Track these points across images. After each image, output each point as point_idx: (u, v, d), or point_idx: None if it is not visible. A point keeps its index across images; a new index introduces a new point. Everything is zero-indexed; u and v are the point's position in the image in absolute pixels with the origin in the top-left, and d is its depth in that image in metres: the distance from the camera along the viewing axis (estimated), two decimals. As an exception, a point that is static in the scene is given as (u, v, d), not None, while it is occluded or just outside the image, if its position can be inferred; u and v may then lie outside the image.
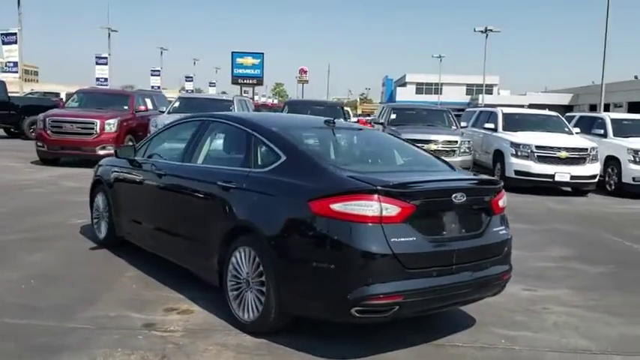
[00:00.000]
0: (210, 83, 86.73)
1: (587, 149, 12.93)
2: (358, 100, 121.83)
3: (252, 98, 39.47)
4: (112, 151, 13.58)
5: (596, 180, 12.98)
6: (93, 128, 13.63)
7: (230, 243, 4.23)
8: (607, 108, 55.64)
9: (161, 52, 66.19)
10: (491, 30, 54.67)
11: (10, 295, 4.67)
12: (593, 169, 12.86)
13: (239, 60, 46.81)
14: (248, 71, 46.47)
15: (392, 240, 3.52)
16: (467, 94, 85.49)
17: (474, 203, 3.93)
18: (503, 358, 3.92)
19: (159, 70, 59.83)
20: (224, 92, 38.22)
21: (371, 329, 4.15)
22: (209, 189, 4.52)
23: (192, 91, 70.06)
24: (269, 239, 3.83)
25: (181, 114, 14.65)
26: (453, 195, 3.80)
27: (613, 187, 13.41)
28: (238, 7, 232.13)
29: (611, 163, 13.55)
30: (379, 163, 4.66)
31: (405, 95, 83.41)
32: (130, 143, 14.32)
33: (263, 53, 47.34)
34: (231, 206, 4.23)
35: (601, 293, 5.51)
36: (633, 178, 12.90)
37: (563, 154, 12.74)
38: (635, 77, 61.00)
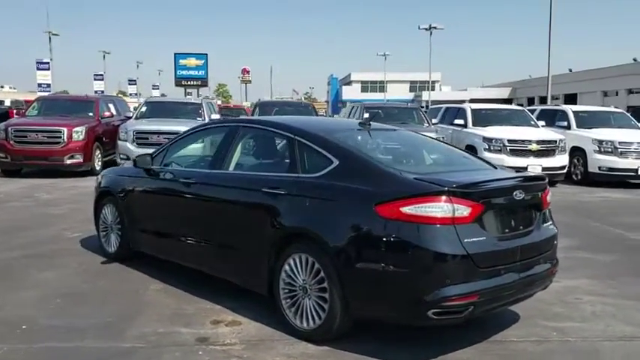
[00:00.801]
0: (154, 86, 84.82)
1: (555, 141, 13.40)
2: (303, 99, 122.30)
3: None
4: (80, 160, 13.38)
5: (565, 171, 13.47)
6: (60, 137, 13.10)
7: (282, 250, 4.15)
8: (545, 100, 58.15)
9: (104, 56, 64.33)
10: (435, 27, 55.85)
11: (43, 317, 4.43)
12: (562, 160, 13.34)
13: (182, 61, 45.98)
14: (192, 72, 45.74)
15: (465, 240, 3.55)
16: (410, 90, 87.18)
17: (530, 200, 4.00)
18: (561, 351, 4.00)
19: (102, 75, 58.04)
20: (207, 97, 37.28)
21: (429, 331, 4.17)
22: (252, 196, 4.43)
23: (137, 94, 68.36)
24: (331, 245, 3.78)
25: (150, 119, 14.41)
26: (514, 192, 3.86)
27: (579, 177, 13.95)
28: (180, 9, 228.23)
29: (577, 153, 14.09)
30: (431, 164, 4.68)
31: (351, 94, 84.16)
32: (97, 152, 13.88)
33: (207, 54, 46.69)
34: (281, 213, 4.15)
35: (619, 281, 5.71)
36: (599, 167, 13.46)
37: (535, 146, 13.15)
38: (570, 70, 63.65)
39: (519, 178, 4.09)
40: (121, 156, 13.24)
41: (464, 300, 3.53)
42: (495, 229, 3.77)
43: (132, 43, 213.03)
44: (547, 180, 4.31)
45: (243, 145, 4.92)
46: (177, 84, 46.11)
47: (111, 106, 15.91)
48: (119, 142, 13.45)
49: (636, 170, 13.29)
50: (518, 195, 3.88)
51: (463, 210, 3.57)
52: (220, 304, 4.75)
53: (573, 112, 15.17)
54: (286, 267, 4.13)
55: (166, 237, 5.35)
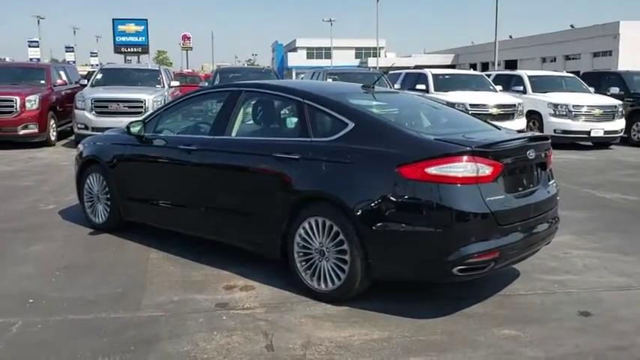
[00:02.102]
0: (92, 53, 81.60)
1: (514, 105, 13.79)
2: (245, 65, 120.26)
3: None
4: (35, 131, 12.81)
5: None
6: (12, 106, 12.47)
7: (296, 215, 4.16)
8: (486, 66, 59.28)
9: (38, 21, 61.07)
10: (381, -7, 55.87)
11: (48, 290, 4.30)
12: (520, 123, 13.74)
13: (121, 27, 44.41)
14: (132, 39, 44.31)
15: (487, 199, 3.66)
16: (356, 57, 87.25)
17: (538, 159, 4.15)
18: (568, 301, 4.22)
19: (37, 41, 55.25)
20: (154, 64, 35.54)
21: (443, 288, 4.30)
22: (262, 161, 4.39)
23: (74, 62, 65.54)
24: (352, 207, 3.82)
25: (107, 87, 13.91)
26: (527, 152, 3.99)
27: (535, 140, 14.43)
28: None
29: (533, 117, 14.56)
30: (443, 125, 4.74)
31: (296, 60, 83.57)
32: (52, 122, 13.31)
33: (146, 19, 45.24)
34: (294, 177, 4.15)
35: (598, 236, 6.02)
36: (554, 130, 13.95)
37: (494, 110, 13.49)
38: (510, 37, 65.12)
39: (528, 138, 4.22)
40: (79, 125, 12.77)
41: (486, 257, 3.66)
42: (512, 187, 3.90)
43: (67, 8, 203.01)
44: (550, 141, 4.48)
45: (246, 111, 4.85)
46: (117, 51, 44.44)
47: (62, 73, 15.24)
48: (76, 111, 12.93)
49: (588, 132, 13.89)
50: (531, 154, 4.01)
51: (485, 169, 3.66)
52: (226, 270, 4.74)
53: (528, 76, 15.62)
54: (301, 231, 4.14)
55: (166, 205, 5.25)
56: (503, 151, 3.84)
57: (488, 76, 16.86)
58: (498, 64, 56.66)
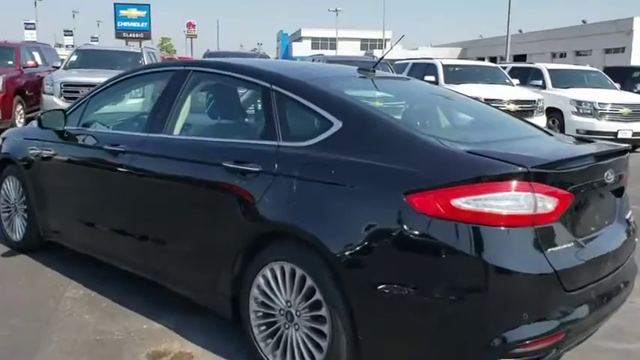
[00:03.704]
0: (92, 38, 79.83)
1: (534, 101, 12.37)
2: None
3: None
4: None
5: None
6: (-28, 88, 11.11)
7: (254, 256, 2.80)
8: (494, 61, 57.88)
9: (35, 3, 59.50)
10: (388, -17, 54.26)
11: None
12: (540, 121, 12.32)
13: (123, 12, 42.96)
14: (133, 24, 42.88)
15: (549, 251, 2.28)
16: (361, 48, 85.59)
17: (616, 182, 2.76)
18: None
19: (34, 24, 53.56)
20: (149, 47, 33.60)
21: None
22: (207, 172, 3.02)
23: (73, 46, 64.08)
24: (334, 253, 2.45)
25: (80, 69, 12.50)
26: (605, 173, 2.60)
27: (555, 140, 13.03)
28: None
29: (553, 115, 13.13)
30: (473, 128, 3.35)
31: (301, 50, 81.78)
32: (19, 107, 11.93)
33: (149, 5, 43.78)
34: (252, 200, 2.77)
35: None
36: (577, 130, 12.52)
37: (511, 106, 12.04)
38: (520, 31, 63.50)
39: (605, 152, 2.79)
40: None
41: (546, 342, 2.28)
42: (582, 228, 2.52)
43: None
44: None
45: (194, 99, 3.46)
46: (118, 36, 43.10)
47: (36, 54, 13.83)
48: (44, 96, 11.54)
49: (615, 133, 12.44)
50: (609, 176, 2.62)
51: (547, 202, 2.28)
52: (160, 321, 3.39)
53: (548, 70, 14.15)
54: (260, 280, 2.78)
55: (86, 226, 3.89)
56: (573, 173, 2.45)
57: (504, 68, 15.41)
58: (503, 59, 55.20)
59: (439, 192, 2.27)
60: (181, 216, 3.19)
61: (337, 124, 2.68)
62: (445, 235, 2.25)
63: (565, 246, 2.35)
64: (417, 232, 2.30)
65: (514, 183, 2.23)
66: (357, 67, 3.41)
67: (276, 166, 2.73)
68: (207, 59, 3.94)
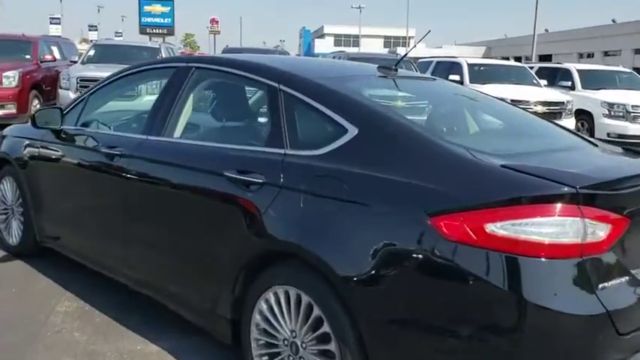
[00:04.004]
0: (117, 33, 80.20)
1: (563, 103, 11.89)
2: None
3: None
4: (13, 111, 11.33)
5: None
6: (-13, 82, 10.98)
7: (256, 278, 2.49)
8: (519, 61, 56.87)
9: (60, -2, 59.93)
10: (413, -20, 53.58)
11: None
12: (569, 124, 11.83)
13: (147, 8, 43.04)
14: (157, 20, 42.95)
15: (600, 287, 1.92)
16: (385, 46, 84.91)
17: None
18: None
19: (59, 18, 53.99)
20: (168, 42, 32.93)
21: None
22: (208, 182, 2.72)
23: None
24: (345, 282, 2.12)
25: (98, 64, 12.32)
26: None
27: (584, 144, 12.51)
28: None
29: (582, 117, 12.63)
30: (504, 134, 2.97)
31: (323, 47, 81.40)
32: (36, 102, 11.79)
33: (173, 1, 43.86)
34: (254, 215, 2.46)
35: None
36: (608, 134, 12.03)
37: (539, 108, 11.58)
38: (546, 30, 62.41)
39: None
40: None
41: (596, 398, 1.93)
42: (632, 259, 2.15)
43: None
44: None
45: (196, 98, 3.14)
46: (142, 32, 43.20)
47: (54, 48, 13.71)
48: (60, 91, 11.41)
49: (650, 138, 11.93)
50: None
51: (598, 229, 1.92)
52: (157, 342, 3.10)
53: (578, 70, 13.64)
54: (262, 305, 2.47)
55: (79, 233, 3.63)
56: (629, 194, 2.08)
57: (530, 68, 14.90)
58: (528, 59, 54.23)
59: (470, 214, 1.92)
60: (178, 228, 2.88)
61: (352, 131, 2.34)
62: (475, 266, 1.91)
63: (618, 281, 1.99)
64: (442, 261, 1.96)
65: (559, 206, 1.88)
66: (377, 66, 3.06)
67: (282, 177, 2.41)
68: (211, 56, 3.58)
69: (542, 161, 2.17)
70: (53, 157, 3.78)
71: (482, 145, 2.35)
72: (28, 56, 12.38)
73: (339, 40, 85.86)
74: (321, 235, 2.24)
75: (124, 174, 3.11)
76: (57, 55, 13.53)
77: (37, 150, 3.91)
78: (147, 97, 3.76)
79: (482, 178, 2.00)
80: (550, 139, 2.76)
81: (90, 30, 70.04)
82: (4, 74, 11.08)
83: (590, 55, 54.37)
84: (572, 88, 13.18)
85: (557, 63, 15.37)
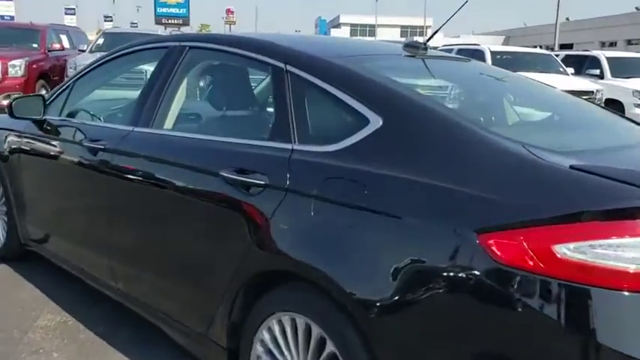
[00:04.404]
0: (132, 24, 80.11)
1: (592, 92, 11.28)
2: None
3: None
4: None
5: None
6: (-7, 71, 10.64)
7: (256, 302, 2.04)
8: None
9: (75, -12, 59.68)
10: (431, -32, 52.60)
11: None
12: None
13: (162, -2, 42.98)
14: (172, 10, 42.77)
15: None
16: (401, 36, 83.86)
17: None
18: None
19: (74, 9, 53.88)
20: (178, 30, 32.01)
21: None
22: (203, 183, 2.27)
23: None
24: (365, 311, 1.67)
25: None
26: None
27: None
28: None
29: (612, 107, 11.98)
30: (567, 128, 2.45)
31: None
32: (43, 91, 11.45)
33: (188, -9, 43.59)
34: (256, 223, 2.01)
35: None
36: (639, 125, 11.41)
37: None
38: (567, 19, 61.09)
39: None
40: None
41: None
42: None
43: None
44: None
45: (189, 83, 2.68)
46: (157, 22, 42.96)
47: (63, 37, 13.35)
48: (67, 81, 11.03)
49: (683, 129, 11.28)
50: None
51: None
52: (148, 366, 2.67)
53: (607, 58, 13.00)
54: (264, 334, 2.02)
55: (60, 237, 3.21)
56: None
57: (556, 56, 14.25)
58: (551, 48, 53.13)
59: (534, 232, 1.45)
60: (165, 236, 2.45)
61: (375, 122, 1.87)
62: (537, 299, 1.44)
63: None
64: (493, 292, 1.49)
65: None
66: (403, 44, 2.58)
67: (289, 178, 1.95)
68: (207, 34, 3.07)
69: (619, 161, 1.69)
70: (35, 151, 3.37)
71: (537, 139, 1.86)
72: (35, 45, 12.06)
73: (355, 29, 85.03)
74: (336, 253, 1.78)
75: (106, 172, 2.68)
76: (66, 44, 13.18)
77: (19, 143, 3.49)
78: (136, 82, 3.29)
79: (549, 183, 1.53)
80: (617, 133, 2.27)
81: (105, 20, 69.94)
82: (9, 63, 10.73)
83: (612, 44, 53.11)
84: (601, 76, 12.57)
85: (585, 50, 14.71)
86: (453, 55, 3.07)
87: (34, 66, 11.29)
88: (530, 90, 2.75)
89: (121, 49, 3.11)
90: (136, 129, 2.66)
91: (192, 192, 2.30)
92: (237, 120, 2.67)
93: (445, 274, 1.56)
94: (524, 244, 1.45)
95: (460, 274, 1.54)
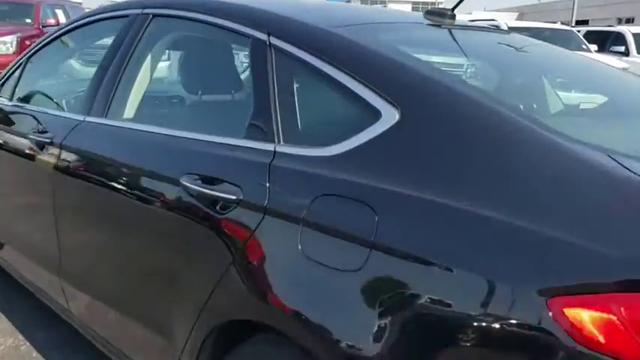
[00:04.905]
0: None
1: (619, 70, 10.56)
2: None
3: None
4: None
5: None
6: (-18, 47, 10.11)
7: (223, 355, 1.52)
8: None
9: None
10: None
11: None
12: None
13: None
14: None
15: None
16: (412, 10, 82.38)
17: None
18: None
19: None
20: None
21: None
22: (159, 193, 1.73)
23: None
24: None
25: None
26: None
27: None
28: None
29: (638, 87, 11.31)
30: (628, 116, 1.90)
31: (349, 14, 79.29)
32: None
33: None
34: (221, 255, 1.48)
35: None
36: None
37: None
38: (582, -6, 59.53)
39: None
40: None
41: None
42: None
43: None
44: None
45: (152, 62, 2.12)
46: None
47: (59, 12, 12.76)
48: (61, 58, 10.48)
49: None
50: None
51: None
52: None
53: (633, 34, 12.25)
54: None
55: (14, 246, 2.70)
56: None
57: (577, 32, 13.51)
58: (566, 24, 51.67)
59: None
60: (116, 256, 1.92)
61: (390, 116, 1.32)
62: None
63: None
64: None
65: None
66: (425, 11, 2.00)
67: (269, 193, 1.41)
68: None
69: None
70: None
71: (619, 142, 1.31)
72: (28, 20, 11.49)
73: (365, 4, 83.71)
74: (330, 305, 1.25)
75: (51, 171, 2.15)
76: (62, 19, 12.56)
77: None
78: (95, 59, 2.73)
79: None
80: None
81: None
82: (0, 40, 10.20)
83: (629, 20, 51.61)
84: (627, 53, 11.84)
85: (609, 26, 13.95)
86: (482, 25, 2.46)
87: (27, 42, 10.68)
88: (582, 69, 2.15)
89: (76, 20, 2.54)
90: (87, 119, 2.12)
91: (146, 204, 1.76)
92: (208, 110, 2.11)
93: (489, 350, 1.03)
94: (627, 315, 0.91)
95: (513, 351, 1.00)
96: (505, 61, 1.97)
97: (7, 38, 10.24)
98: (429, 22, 1.94)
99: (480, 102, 1.28)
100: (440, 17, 1.95)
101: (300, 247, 1.31)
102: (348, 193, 1.28)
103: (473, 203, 1.10)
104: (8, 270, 2.92)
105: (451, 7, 1.99)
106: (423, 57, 1.54)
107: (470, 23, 2.15)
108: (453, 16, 1.97)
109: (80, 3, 18.00)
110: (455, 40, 1.91)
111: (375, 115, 1.34)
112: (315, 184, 1.35)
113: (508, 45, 2.06)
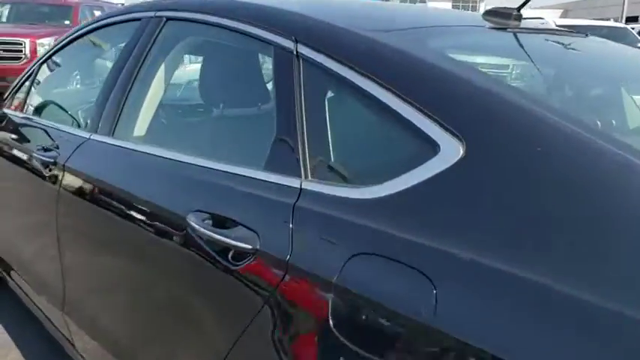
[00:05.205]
0: None
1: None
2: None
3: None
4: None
5: None
6: (21, 50, 10.10)
7: None
8: (602, 24, 52.71)
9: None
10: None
11: None
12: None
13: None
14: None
15: None
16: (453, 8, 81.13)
17: None
18: None
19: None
20: None
21: None
22: (163, 232, 1.44)
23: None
24: None
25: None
26: None
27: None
28: None
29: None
30: None
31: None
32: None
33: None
34: (233, 323, 1.19)
35: None
36: None
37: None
38: (632, -10, 57.43)
39: None
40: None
41: None
42: None
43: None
44: None
45: (166, 73, 1.84)
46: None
47: (97, 13, 12.73)
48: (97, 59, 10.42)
49: None
50: None
51: None
52: None
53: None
54: None
55: (22, 271, 2.47)
56: None
57: (632, 29, 12.80)
58: (616, 21, 49.79)
59: None
60: (115, 295, 1.65)
61: (451, 150, 1.00)
62: None
63: None
64: None
65: None
66: (484, 12, 1.67)
67: (292, 243, 1.11)
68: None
69: None
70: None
71: None
72: (67, 22, 11.50)
73: (403, 2, 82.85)
74: None
75: (55, 194, 1.90)
76: (101, 21, 12.57)
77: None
78: (106, 69, 2.47)
79: None
80: None
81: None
82: (38, 42, 10.19)
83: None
84: (686, 52, 11.11)
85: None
86: (556, 27, 2.11)
87: (65, 44, 10.72)
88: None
89: (87, 25, 2.29)
90: (93, 137, 1.86)
91: (148, 243, 1.48)
92: (224, 132, 1.80)
93: None
94: None
95: None
96: (598, 74, 1.61)
97: (45, 40, 10.23)
98: (492, 24, 1.60)
99: (576, 136, 0.95)
100: (503, 18, 1.61)
101: (331, 322, 1.00)
102: (395, 253, 0.97)
103: (578, 284, 0.78)
104: (17, 293, 2.70)
105: (486, 4, 1.65)
106: (493, 72, 1.21)
107: (535, 25, 1.80)
108: (520, 17, 1.62)
109: (123, 4, 18.04)
110: (525, 48, 1.56)
111: (433, 148, 1.02)
112: (350, 236, 1.04)
113: (587, 51, 1.70)
